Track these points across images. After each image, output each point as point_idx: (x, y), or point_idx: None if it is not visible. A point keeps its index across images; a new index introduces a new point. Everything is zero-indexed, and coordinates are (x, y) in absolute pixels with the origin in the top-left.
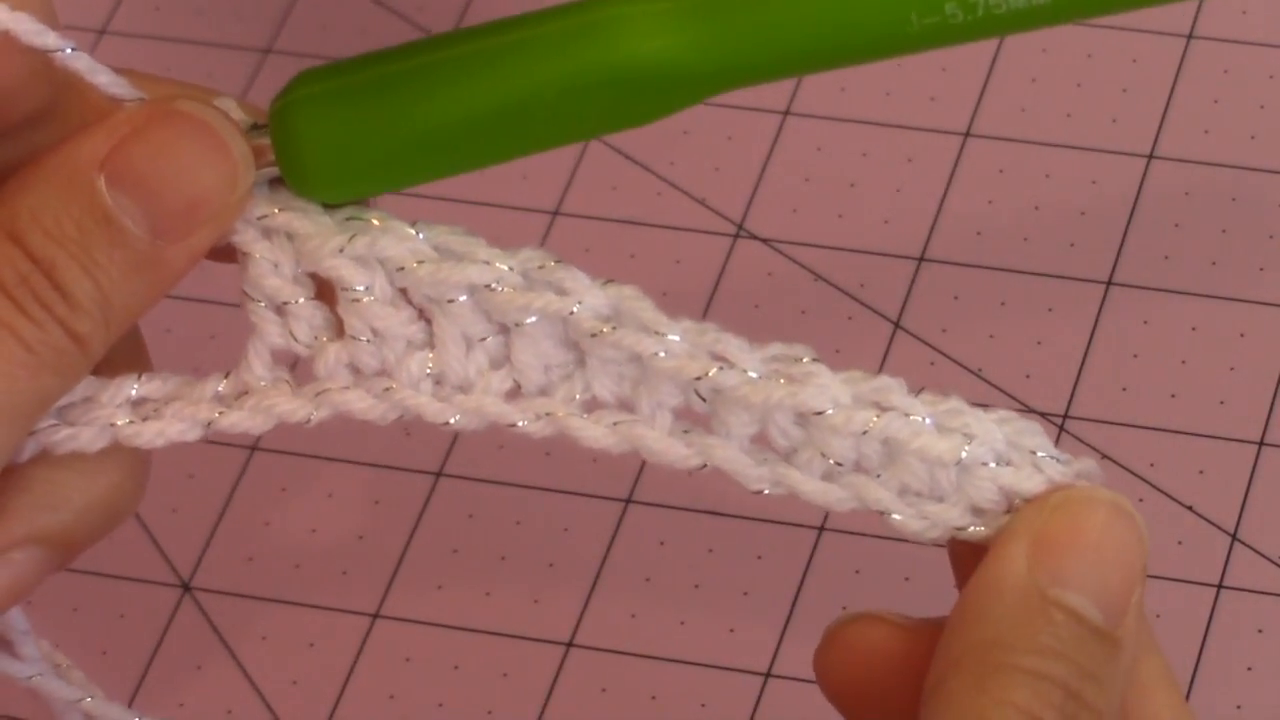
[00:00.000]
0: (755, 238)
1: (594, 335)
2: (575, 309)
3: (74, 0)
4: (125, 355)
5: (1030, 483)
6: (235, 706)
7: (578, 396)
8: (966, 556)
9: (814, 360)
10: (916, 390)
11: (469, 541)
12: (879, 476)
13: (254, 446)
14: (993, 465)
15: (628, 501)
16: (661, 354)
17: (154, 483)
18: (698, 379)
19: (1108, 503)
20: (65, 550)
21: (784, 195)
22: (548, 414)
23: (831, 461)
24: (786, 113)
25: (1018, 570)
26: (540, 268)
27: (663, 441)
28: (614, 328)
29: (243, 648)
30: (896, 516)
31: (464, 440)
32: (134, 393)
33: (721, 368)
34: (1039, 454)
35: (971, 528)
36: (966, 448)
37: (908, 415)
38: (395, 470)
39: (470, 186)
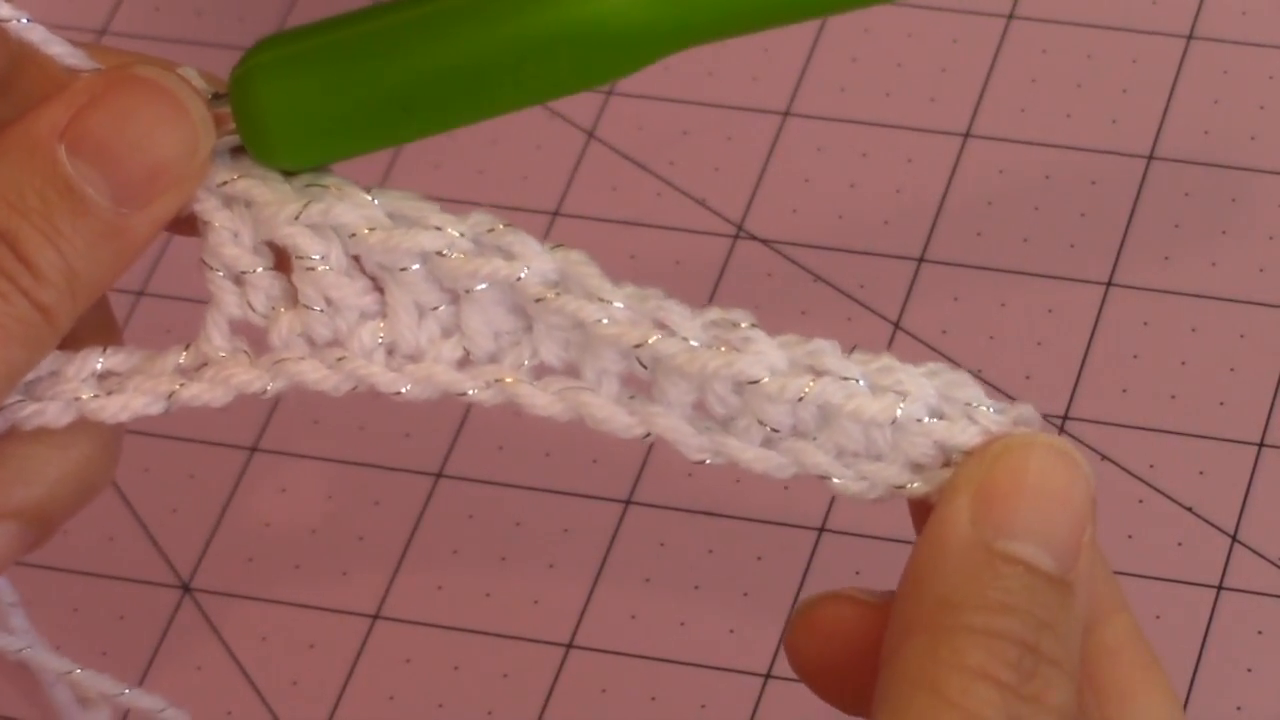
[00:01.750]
0: (755, 238)
1: (539, 300)
2: (523, 274)
3: (74, 0)
4: (96, 331)
5: (965, 435)
6: (235, 707)
7: (526, 363)
8: (926, 518)
9: (752, 325)
10: (850, 349)
11: (469, 542)
12: (816, 440)
13: (254, 447)
14: (926, 420)
15: (628, 502)
16: (604, 320)
17: (154, 483)
18: (637, 346)
19: (1046, 446)
20: (41, 525)
21: (784, 196)
22: (497, 381)
23: (769, 428)
24: (786, 113)
25: (961, 526)
26: (490, 231)
27: (606, 409)
28: (558, 293)
29: (243, 648)
30: (836, 480)
31: (464, 441)
32: (99, 366)
33: (661, 336)
34: (973, 405)
35: (911, 485)
36: (901, 405)
37: (842, 378)
38: (395, 471)
39: (470, 187)
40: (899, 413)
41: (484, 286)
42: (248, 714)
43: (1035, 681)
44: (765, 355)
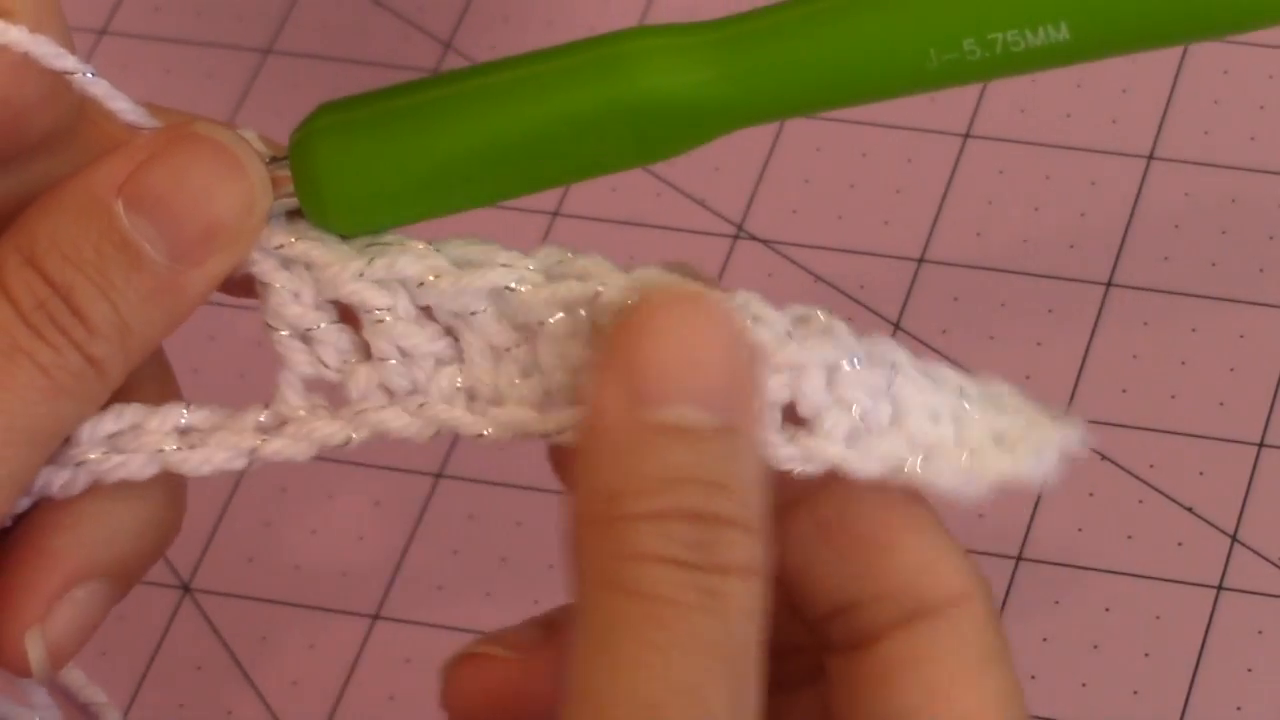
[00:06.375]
0: (755, 238)
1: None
2: (600, 289)
3: (74, 0)
4: (153, 385)
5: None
6: (235, 707)
7: None
8: None
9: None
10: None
11: (469, 542)
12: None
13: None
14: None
15: None
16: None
17: None
18: None
19: (677, 297)
20: (123, 581)
21: (784, 196)
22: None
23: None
24: None
25: (613, 406)
26: (559, 263)
27: None
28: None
29: (243, 648)
30: None
31: (464, 441)
32: (183, 420)
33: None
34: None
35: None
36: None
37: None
38: (395, 471)
39: None
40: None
41: (560, 317)
42: (248, 714)
43: (716, 549)
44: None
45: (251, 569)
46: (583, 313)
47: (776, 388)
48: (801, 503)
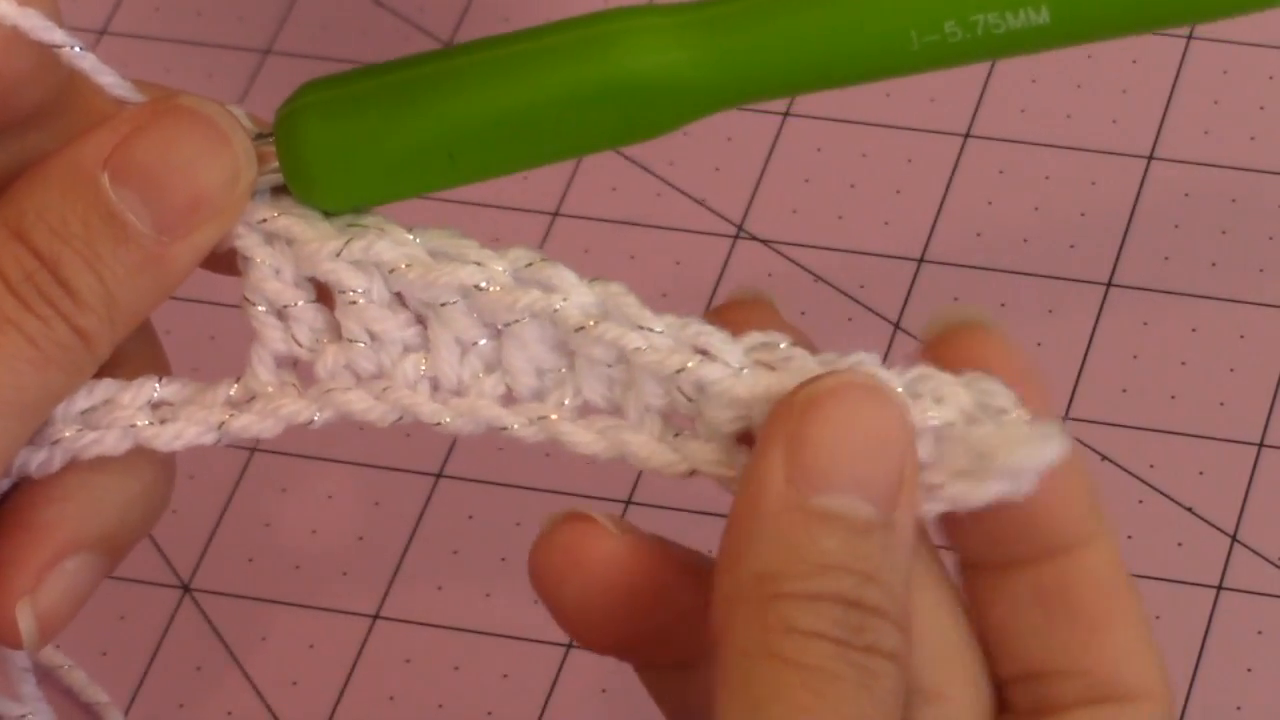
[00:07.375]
0: (755, 238)
1: (579, 330)
2: (559, 306)
3: (74, 0)
4: (143, 358)
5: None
6: (235, 707)
7: (567, 401)
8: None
9: (790, 344)
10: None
11: (469, 542)
12: None
13: (254, 447)
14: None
15: (628, 503)
16: (644, 347)
17: None
18: (679, 372)
19: (850, 385)
20: (112, 553)
21: (784, 196)
22: (540, 418)
23: None
24: (786, 113)
25: (775, 486)
26: (529, 266)
27: (648, 447)
28: (596, 322)
29: (243, 648)
30: None
31: (464, 441)
32: (155, 395)
33: (702, 360)
34: (1007, 412)
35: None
36: (933, 413)
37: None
38: (395, 471)
39: (470, 187)
40: (934, 420)
41: (524, 320)
42: (248, 714)
43: (865, 635)
44: (807, 372)
45: (251, 569)
46: (547, 321)
47: (729, 420)
48: (1023, 565)
